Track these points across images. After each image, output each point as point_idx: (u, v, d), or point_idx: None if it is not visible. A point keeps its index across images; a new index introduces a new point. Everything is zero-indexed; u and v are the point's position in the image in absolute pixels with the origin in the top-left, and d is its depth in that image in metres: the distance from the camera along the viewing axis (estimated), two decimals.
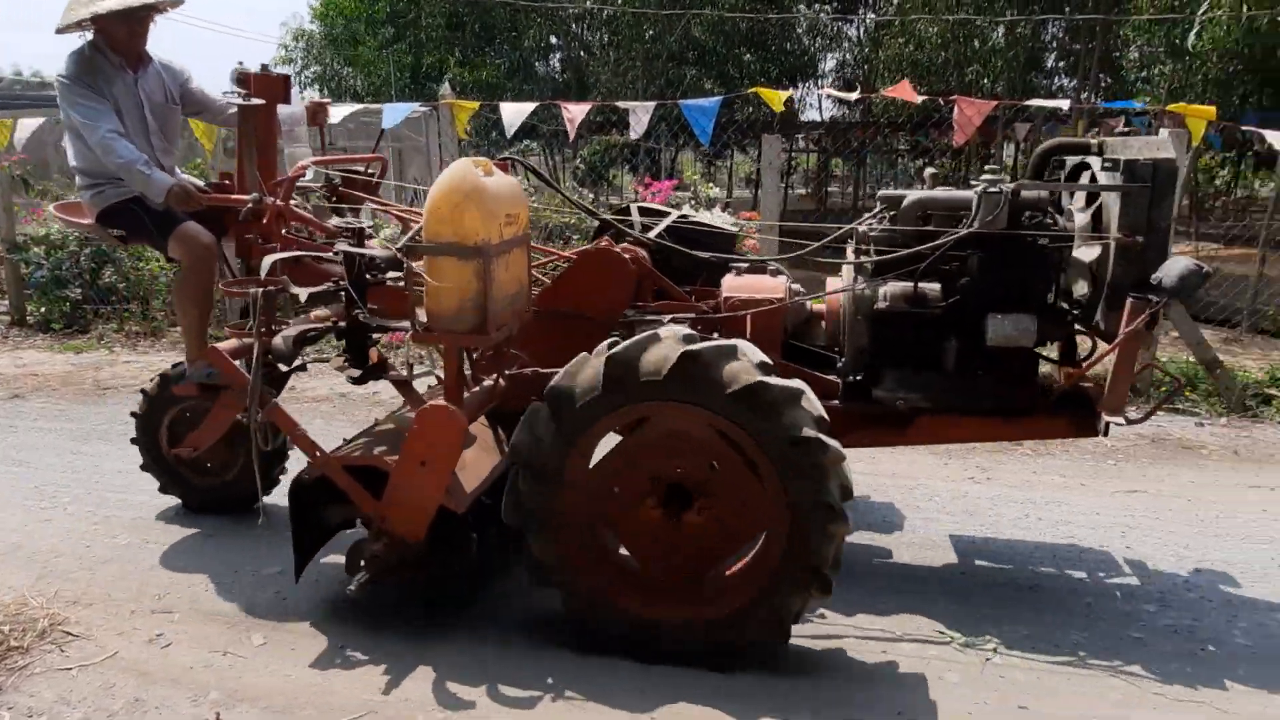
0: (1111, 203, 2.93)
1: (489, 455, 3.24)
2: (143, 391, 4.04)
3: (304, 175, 3.44)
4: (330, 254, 3.28)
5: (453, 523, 2.94)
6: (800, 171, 23.89)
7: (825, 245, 3.65)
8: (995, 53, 15.65)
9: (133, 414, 4.06)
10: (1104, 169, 2.93)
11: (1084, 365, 3.05)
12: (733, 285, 3.41)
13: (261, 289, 2.99)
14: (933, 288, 3.08)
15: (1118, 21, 13.58)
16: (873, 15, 19.71)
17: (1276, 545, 3.80)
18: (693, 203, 6.71)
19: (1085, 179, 3.15)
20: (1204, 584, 3.45)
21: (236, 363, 3.16)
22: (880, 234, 3.20)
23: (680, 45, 17.88)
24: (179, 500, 4.11)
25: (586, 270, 3.39)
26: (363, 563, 2.94)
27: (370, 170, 3.80)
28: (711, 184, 9.23)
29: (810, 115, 22.16)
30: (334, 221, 3.48)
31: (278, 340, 3.04)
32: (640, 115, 6.79)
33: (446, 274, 2.80)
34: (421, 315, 2.91)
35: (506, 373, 3.24)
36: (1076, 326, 3.21)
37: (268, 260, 3.00)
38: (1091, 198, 3.10)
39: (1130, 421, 2.98)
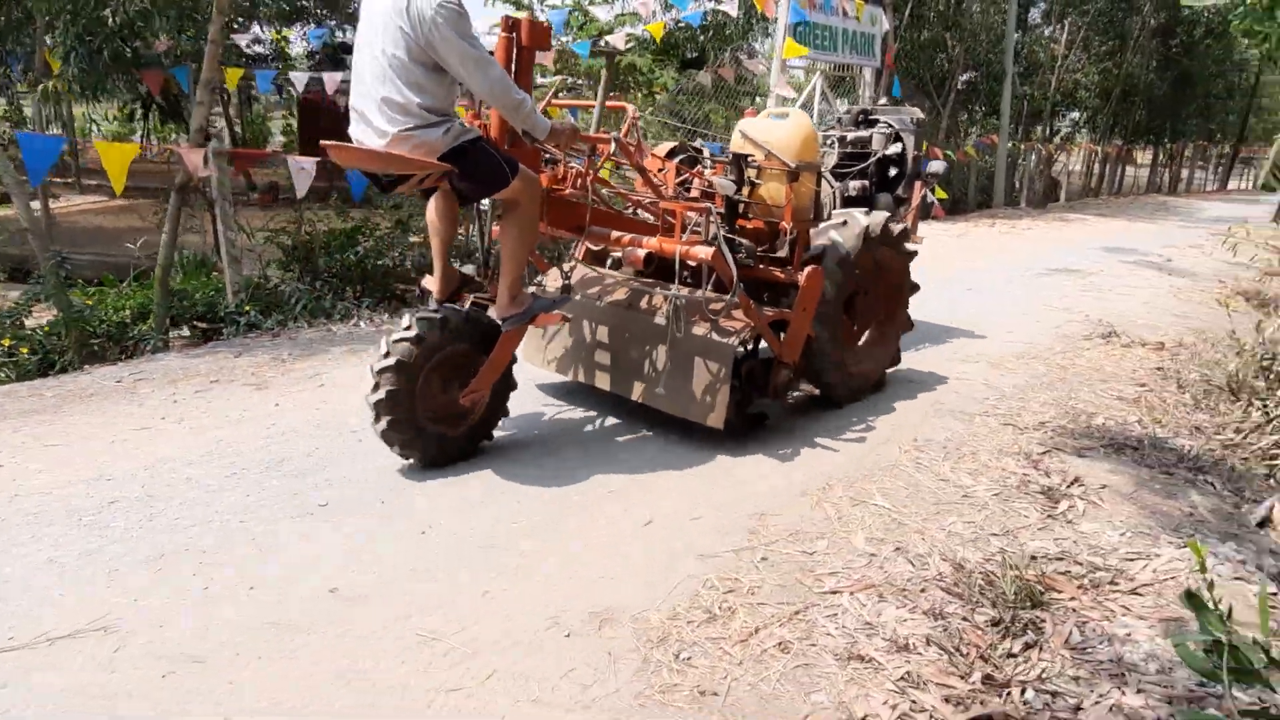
0: (907, 136, 6.22)
1: None
2: (411, 338, 3.72)
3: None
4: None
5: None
6: None
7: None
8: None
9: (384, 369, 3.69)
10: (912, 121, 6.17)
11: (904, 215, 6.37)
12: None
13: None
14: (864, 183, 5.92)
15: None
16: None
17: None
18: None
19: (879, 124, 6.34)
20: None
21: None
22: (840, 154, 5.84)
23: None
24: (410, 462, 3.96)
25: None
26: (782, 387, 4.34)
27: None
28: None
29: None
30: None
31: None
32: None
33: (807, 183, 4.38)
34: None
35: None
36: None
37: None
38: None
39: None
